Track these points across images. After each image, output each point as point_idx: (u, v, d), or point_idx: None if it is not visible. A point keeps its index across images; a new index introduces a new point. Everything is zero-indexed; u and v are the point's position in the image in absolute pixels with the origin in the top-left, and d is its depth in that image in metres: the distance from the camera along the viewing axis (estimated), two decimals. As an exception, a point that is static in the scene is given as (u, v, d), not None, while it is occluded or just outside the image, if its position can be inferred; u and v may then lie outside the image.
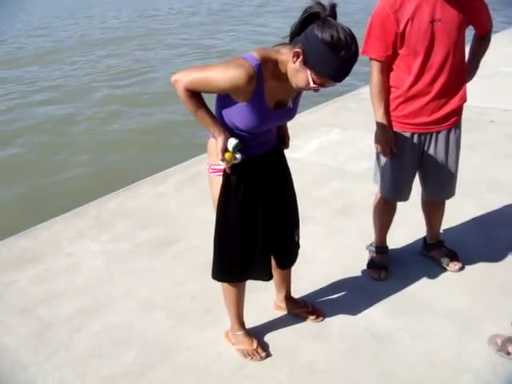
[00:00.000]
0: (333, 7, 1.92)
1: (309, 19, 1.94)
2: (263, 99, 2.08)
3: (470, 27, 2.82)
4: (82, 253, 3.74)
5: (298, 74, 2.02)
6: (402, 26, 2.65)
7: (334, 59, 1.90)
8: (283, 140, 2.53)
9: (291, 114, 2.28)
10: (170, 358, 2.71)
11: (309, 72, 1.97)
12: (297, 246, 2.68)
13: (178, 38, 17.12)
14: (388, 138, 2.89)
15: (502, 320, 2.78)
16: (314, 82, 1.98)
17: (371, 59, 2.81)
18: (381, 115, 2.87)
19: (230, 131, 2.17)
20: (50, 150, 7.69)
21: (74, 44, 17.22)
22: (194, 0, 29.11)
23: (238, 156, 2.15)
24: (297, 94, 2.26)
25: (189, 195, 4.56)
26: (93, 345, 2.84)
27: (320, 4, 1.92)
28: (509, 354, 2.52)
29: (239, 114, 2.11)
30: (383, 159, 3.02)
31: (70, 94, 10.88)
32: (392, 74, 2.83)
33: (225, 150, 2.11)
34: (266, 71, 2.03)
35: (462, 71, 2.83)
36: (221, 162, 2.15)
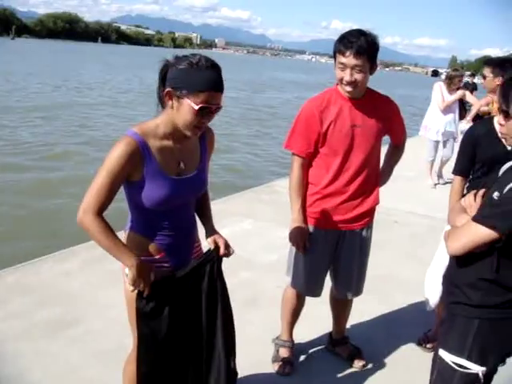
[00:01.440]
0: (176, 57, 2.05)
1: (165, 76, 2.06)
2: (157, 166, 2.06)
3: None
4: (-30, 330, 3.45)
5: (181, 111, 2.01)
6: (325, 127, 2.80)
7: (197, 72, 1.96)
8: (217, 248, 2.28)
9: (198, 183, 2.24)
10: None
11: (187, 100, 1.98)
12: (233, 373, 2.39)
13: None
14: (302, 233, 2.96)
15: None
16: (197, 105, 1.96)
17: (293, 154, 2.93)
18: (297, 210, 2.95)
19: (144, 218, 2.15)
20: None
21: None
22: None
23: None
24: (200, 159, 2.24)
25: (94, 276, 4.38)
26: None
27: (164, 59, 2.07)
28: None
29: (143, 192, 2.07)
30: (296, 253, 3.06)
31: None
32: (311, 171, 2.95)
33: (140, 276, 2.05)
34: (148, 138, 2.05)
35: (377, 175, 3.01)
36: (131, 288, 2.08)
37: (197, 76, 1.96)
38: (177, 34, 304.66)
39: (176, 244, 2.23)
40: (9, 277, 4.27)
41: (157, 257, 2.20)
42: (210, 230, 2.37)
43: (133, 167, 2.02)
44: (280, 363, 3.25)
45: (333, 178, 2.89)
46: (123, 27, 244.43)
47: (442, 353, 2.09)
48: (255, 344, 3.48)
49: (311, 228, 2.99)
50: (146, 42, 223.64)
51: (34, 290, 4.08)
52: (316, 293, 3.16)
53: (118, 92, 25.96)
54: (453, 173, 3.19)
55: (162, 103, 2.15)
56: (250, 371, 3.18)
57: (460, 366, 2.03)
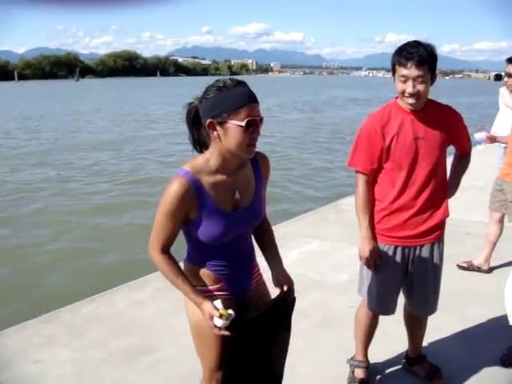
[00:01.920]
0: (197, 97, 2.06)
1: (195, 117, 2.07)
2: (212, 204, 2.05)
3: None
4: (50, 360, 3.56)
5: (229, 135, 1.98)
6: (387, 141, 2.76)
7: (228, 92, 1.95)
8: (285, 290, 2.26)
9: (255, 214, 2.21)
10: None
11: (231, 121, 1.95)
12: None
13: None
14: (372, 251, 2.90)
15: None
16: (243, 121, 1.94)
17: (357, 172, 2.89)
18: (365, 227, 2.90)
19: (201, 251, 2.16)
20: (22, 252, 7.58)
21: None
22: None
23: (230, 311, 2.02)
24: (255, 188, 2.20)
25: (166, 303, 4.45)
26: None
27: (188, 104, 2.10)
28: None
29: (199, 229, 2.07)
30: (367, 271, 3.01)
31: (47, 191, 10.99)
32: (376, 187, 2.91)
33: (215, 312, 2.01)
34: (200, 175, 2.03)
35: (444, 187, 2.92)
36: (218, 323, 2.01)
37: (230, 96, 1.95)
38: (233, 62, 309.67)
39: (235, 273, 2.22)
40: (84, 308, 4.41)
41: (215, 286, 2.19)
42: (277, 270, 2.32)
43: (188, 207, 2.03)
44: (356, 384, 3.18)
45: (399, 192, 2.83)
46: (180, 60, 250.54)
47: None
48: (330, 365, 3.44)
49: (381, 245, 2.93)
50: (203, 72, 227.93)
51: (109, 319, 4.19)
52: (390, 311, 3.09)
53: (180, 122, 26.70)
54: None
55: (196, 147, 2.16)
56: (326, 393, 3.15)
57: None
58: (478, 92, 63.32)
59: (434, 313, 3.13)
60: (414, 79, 2.63)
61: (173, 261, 2.10)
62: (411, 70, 2.61)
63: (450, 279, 4.40)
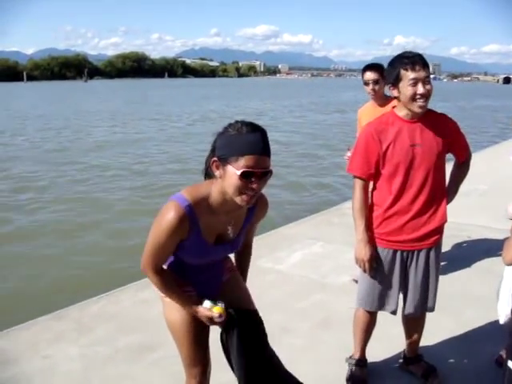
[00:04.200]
0: (225, 126, 2.07)
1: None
2: (200, 236, 2.13)
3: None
4: (59, 356, 3.68)
5: (226, 179, 1.98)
6: (384, 147, 2.86)
7: (239, 137, 1.95)
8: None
9: (232, 248, 2.33)
10: None
11: (230, 167, 1.95)
12: None
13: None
14: (368, 253, 3.00)
15: None
16: (239, 170, 1.93)
17: (355, 177, 3.01)
18: (361, 231, 3.00)
19: (177, 262, 2.29)
20: (31, 252, 7.74)
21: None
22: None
23: (221, 304, 2.23)
24: (241, 225, 2.28)
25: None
26: None
27: (218, 132, 2.08)
28: None
29: (181, 250, 2.19)
30: (365, 274, 3.09)
31: (59, 196, 11.10)
32: (375, 193, 3.01)
33: (210, 310, 2.21)
34: (199, 209, 2.07)
35: (442, 193, 3.00)
36: (218, 320, 2.21)
37: (238, 141, 1.94)
38: (240, 64, 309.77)
39: (206, 280, 2.36)
40: (92, 306, 4.53)
41: (184, 289, 2.31)
42: None
43: (181, 235, 2.10)
44: (354, 382, 3.27)
45: (396, 197, 2.92)
46: (188, 61, 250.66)
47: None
48: (329, 364, 3.53)
49: (380, 249, 3.03)
50: (211, 73, 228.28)
51: (116, 317, 4.31)
52: (390, 308, 3.13)
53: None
54: None
55: (206, 173, 2.21)
56: (325, 390, 3.24)
57: None
58: (489, 95, 62.87)
59: (426, 312, 3.19)
60: (423, 80, 2.73)
61: (166, 277, 2.23)
62: (420, 72, 2.72)
63: (451, 281, 4.50)
